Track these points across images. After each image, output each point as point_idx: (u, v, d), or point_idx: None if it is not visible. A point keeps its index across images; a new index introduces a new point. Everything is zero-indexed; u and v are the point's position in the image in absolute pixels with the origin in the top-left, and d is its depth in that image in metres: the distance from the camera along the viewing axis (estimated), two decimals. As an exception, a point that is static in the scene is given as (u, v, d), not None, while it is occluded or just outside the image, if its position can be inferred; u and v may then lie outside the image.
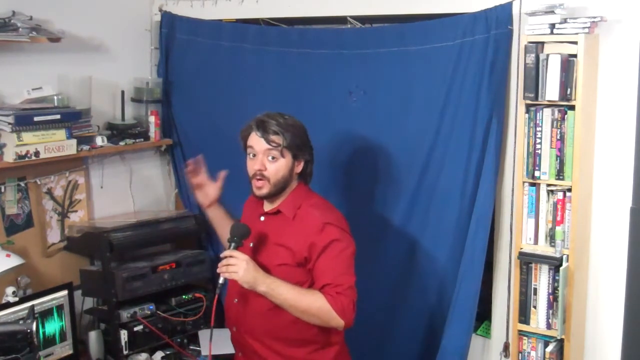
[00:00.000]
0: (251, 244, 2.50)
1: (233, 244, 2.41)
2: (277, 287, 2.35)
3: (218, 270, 2.39)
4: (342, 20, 3.12)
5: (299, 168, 2.48)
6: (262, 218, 2.52)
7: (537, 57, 2.50)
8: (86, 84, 3.26)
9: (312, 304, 2.32)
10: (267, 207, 2.53)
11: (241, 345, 2.57)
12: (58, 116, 2.99)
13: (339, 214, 2.49)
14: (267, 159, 2.42)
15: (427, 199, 2.93)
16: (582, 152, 2.50)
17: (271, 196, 2.48)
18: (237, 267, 2.34)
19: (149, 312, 3.14)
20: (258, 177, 2.43)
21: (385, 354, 3.12)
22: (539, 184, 2.59)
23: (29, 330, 2.27)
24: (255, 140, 2.43)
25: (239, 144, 2.54)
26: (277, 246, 2.44)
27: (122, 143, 3.34)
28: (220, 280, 2.39)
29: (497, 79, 2.68)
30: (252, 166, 2.45)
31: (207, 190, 2.76)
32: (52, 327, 2.94)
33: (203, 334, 3.25)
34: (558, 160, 2.54)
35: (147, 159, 3.67)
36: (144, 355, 3.11)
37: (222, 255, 2.40)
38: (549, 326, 2.62)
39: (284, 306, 2.36)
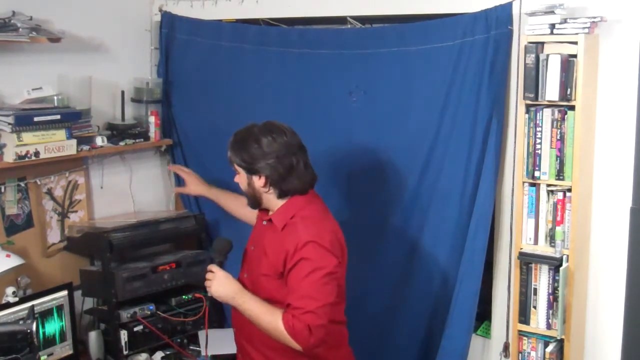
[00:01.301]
0: (252, 247, 2.54)
1: (216, 259, 2.51)
2: (244, 304, 2.39)
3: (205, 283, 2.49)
4: (342, 20, 3.12)
5: (259, 183, 2.42)
6: (265, 223, 2.52)
7: (537, 57, 2.50)
8: (86, 84, 3.26)
9: (270, 324, 2.32)
10: (270, 213, 2.51)
11: (240, 348, 2.60)
12: (58, 116, 2.98)
13: (324, 230, 2.39)
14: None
15: (427, 199, 2.93)
16: (582, 152, 2.50)
17: (252, 206, 2.53)
18: (210, 282, 2.44)
19: (149, 312, 3.14)
20: None
21: (385, 354, 3.12)
22: (539, 184, 2.59)
23: (29, 331, 2.28)
24: None
25: None
26: (264, 255, 2.44)
27: (122, 143, 3.34)
28: (208, 293, 2.48)
29: (497, 79, 2.68)
30: None
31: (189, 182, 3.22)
32: (52, 327, 2.94)
33: (203, 334, 3.25)
34: (558, 160, 2.54)
35: (147, 159, 3.67)
36: (144, 356, 3.12)
37: (206, 269, 2.50)
38: (549, 326, 2.62)
39: (253, 323, 2.39)
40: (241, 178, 2.46)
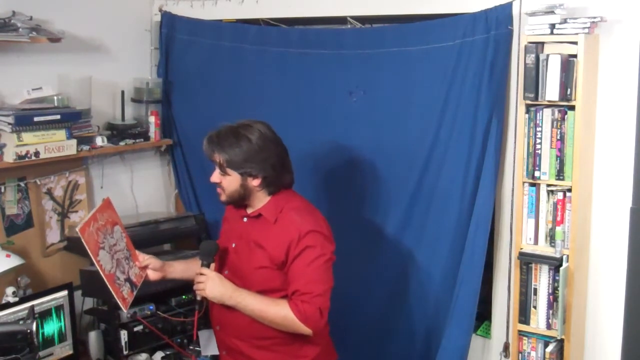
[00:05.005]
0: (233, 245, 2.53)
1: (204, 262, 2.49)
2: (243, 300, 2.40)
3: (194, 288, 2.48)
4: (342, 20, 3.12)
5: (254, 183, 2.41)
6: (245, 219, 2.52)
7: (537, 57, 2.50)
8: (86, 84, 3.26)
9: (277, 313, 2.36)
10: (249, 209, 2.51)
11: (225, 345, 2.61)
12: (58, 116, 2.99)
13: (319, 219, 2.46)
14: (219, 173, 2.45)
15: (427, 199, 2.93)
16: (582, 152, 2.50)
17: (230, 204, 2.52)
18: (203, 284, 2.44)
19: (149, 312, 3.13)
20: (217, 186, 2.48)
21: (385, 354, 3.12)
22: (539, 184, 2.59)
23: (28, 331, 2.28)
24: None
25: None
26: (257, 248, 2.45)
27: (122, 143, 3.34)
28: (198, 297, 2.48)
29: (497, 79, 2.68)
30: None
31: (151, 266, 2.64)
32: (52, 327, 2.94)
33: (203, 334, 3.25)
34: (558, 160, 2.54)
35: (147, 159, 3.67)
36: (144, 356, 3.11)
37: (195, 273, 2.49)
38: (549, 326, 2.62)
39: (253, 317, 2.41)
40: (227, 180, 2.43)
